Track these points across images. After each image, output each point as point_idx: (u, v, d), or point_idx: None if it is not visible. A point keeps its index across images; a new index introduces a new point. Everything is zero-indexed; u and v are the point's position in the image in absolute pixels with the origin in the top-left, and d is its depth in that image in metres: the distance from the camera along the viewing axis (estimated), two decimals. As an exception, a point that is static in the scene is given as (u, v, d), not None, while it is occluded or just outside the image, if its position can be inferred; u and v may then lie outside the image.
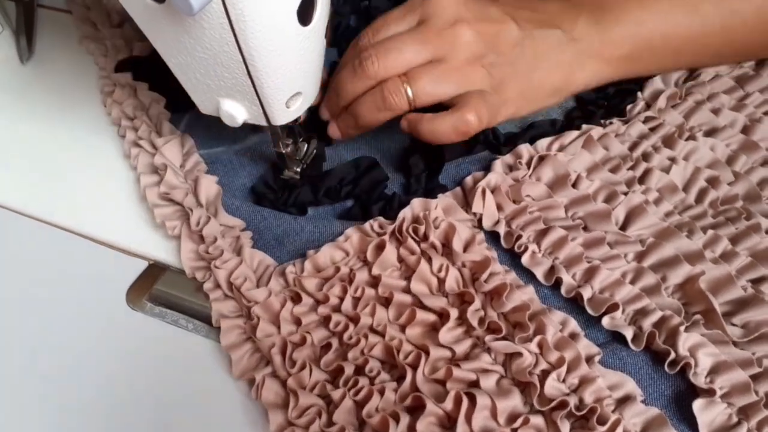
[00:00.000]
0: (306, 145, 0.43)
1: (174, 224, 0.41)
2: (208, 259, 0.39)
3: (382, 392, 0.33)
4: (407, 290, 0.37)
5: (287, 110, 0.37)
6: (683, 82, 0.49)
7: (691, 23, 0.43)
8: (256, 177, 0.45)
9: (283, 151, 0.41)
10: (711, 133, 0.44)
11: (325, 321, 0.37)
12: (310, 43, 0.35)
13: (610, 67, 0.44)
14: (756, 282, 0.37)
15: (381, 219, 0.40)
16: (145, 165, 0.46)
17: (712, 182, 0.41)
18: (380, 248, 0.38)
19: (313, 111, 0.44)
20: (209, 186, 0.43)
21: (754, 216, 0.39)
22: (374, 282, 0.38)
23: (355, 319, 0.36)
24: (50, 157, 0.50)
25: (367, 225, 0.40)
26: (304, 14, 0.33)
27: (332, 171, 0.43)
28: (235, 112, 0.37)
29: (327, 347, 0.36)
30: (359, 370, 0.35)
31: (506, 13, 0.42)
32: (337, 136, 0.44)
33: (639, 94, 0.47)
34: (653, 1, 0.43)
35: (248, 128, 0.46)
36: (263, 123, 0.38)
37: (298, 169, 0.43)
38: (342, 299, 0.37)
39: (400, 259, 0.39)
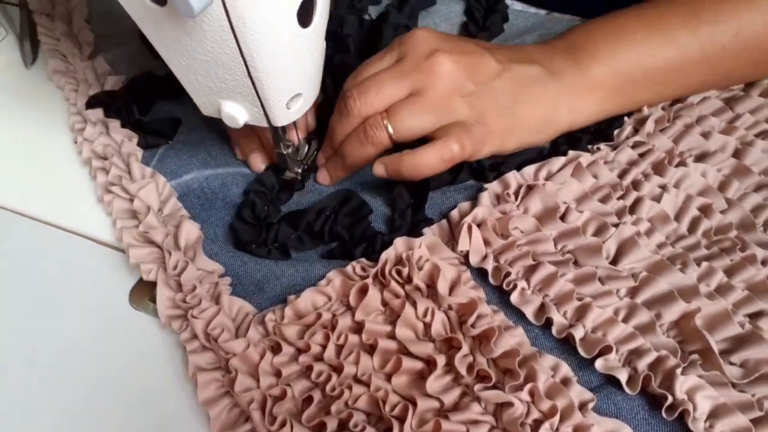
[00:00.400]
0: (307, 146, 0.44)
1: (149, 267, 0.39)
2: (186, 308, 0.37)
3: (367, 449, 0.31)
4: (392, 336, 0.36)
5: (288, 111, 0.37)
6: (670, 105, 0.47)
7: (670, 53, 0.43)
8: (231, 206, 0.44)
9: (284, 152, 0.42)
10: (701, 157, 0.43)
11: (307, 371, 0.35)
12: (310, 44, 0.35)
13: (597, 101, 0.43)
14: (753, 317, 0.36)
15: (363, 261, 0.39)
16: (121, 210, 0.44)
17: (705, 210, 0.40)
18: (363, 292, 0.37)
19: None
20: (191, 230, 0.41)
21: (749, 246, 0.38)
22: (358, 328, 0.36)
23: (338, 369, 0.35)
24: (54, 159, 0.50)
25: (349, 268, 0.38)
26: (304, 16, 0.34)
27: (311, 206, 0.41)
28: (236, 113, 0.37)
29: (309, 400, 0.34)
30: (343, 425, 0.33)
31: (484, 47, 0.42)
32: (326, 182, 0.45)
33: (626, 118, 0.46)
34: (626, 35, 0.43)
35: (218, 152, 0.46)
36: (264, 124, 0.38)
37: (299, 170, 0.44)
38: (324, 347, 0.35)
39: (384, 303, 0.37)
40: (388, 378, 0.34)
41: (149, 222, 0.41)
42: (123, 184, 0.44)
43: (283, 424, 0.33)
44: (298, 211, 0.42)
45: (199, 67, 0.35)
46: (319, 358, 0.35)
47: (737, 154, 0.43)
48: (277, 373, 0.35)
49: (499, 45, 0.44)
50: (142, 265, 0.39)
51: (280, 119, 0.38)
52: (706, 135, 0.44)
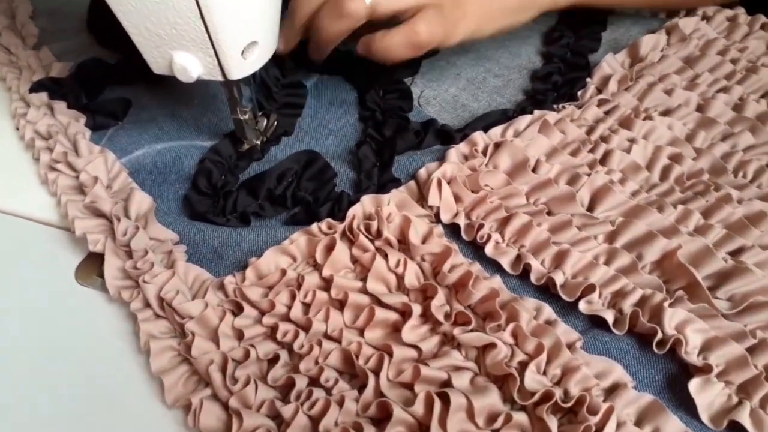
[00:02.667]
0: (265, 120, 0.42)
1: (96, 237, 0.36)
2: (137, 275, 0.34)
3: (341, 403, 0.28)
4: (363, 291, 0.33)
5: (243, 62, 0.35)
6: (630, 65, 0.47)
7: None
8: (185, 178, 0.41)
9: (242, 118, 0.40)
10: (666, 113, 0.43)
11: (272, 332, 0.32)
12: None
13: None
14: (734, 254, 0.34)
15: (329, 220, 0.36)
16: (66, 187, 0.41)
17: (675, 159, 0.39)
18: (330, 249, 0.34)
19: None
20: (142, 200, 0.38)
21: (723, 187, 0.37)
22: (326, 285, 0.34)
23: (305, 327, 0.32)
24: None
25: (314, 227, 0.36)
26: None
27: (270, 170, 0.39)
28: (189, 64, 0.35)
29: (274, 361, 0.31)
30: (313, 382, 0.30)
31: None
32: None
33: (588, 80, 0.46)
34: None
35: (170, 127, 0.44)
36: (218, 78, 0.36)
37: (258, 142, 0.42)
38: (290, 307, 0.33)
39: (354, 260, 0.35)
40: (361, 333, 0.32)
41: (96, 192, 0.38)
42: (69, 159, 0.41)
43: (246, 383, 0.29)
44: (257, 176, 0.40)
45: (149, 11, 0.33)
46: (285, 318, 0.33)
47: (700, 108, 0.43)
48: (239, 336, 0.32)
49: None
50: (89, 235, 0.36)
51: (236, 71, 0.36)
52: (669, 92, 0.44)
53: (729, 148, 0.40)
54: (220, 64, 0.35)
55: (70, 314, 0.36)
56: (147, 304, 0.34)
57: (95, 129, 0.45)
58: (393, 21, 0.40)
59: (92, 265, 0.38)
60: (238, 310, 0.33)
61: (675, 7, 0.49)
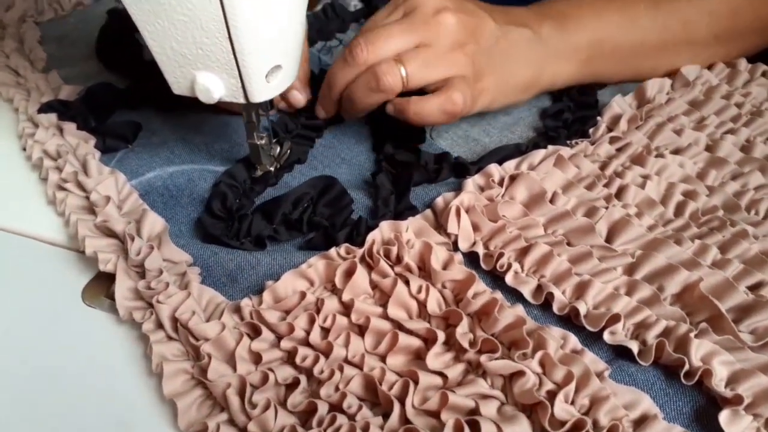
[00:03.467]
0: (279, 147, 0.43)
1: (107, 257, 0.35)
2: (150, 295, 0.33)
3: (366, 429, 0.27)
4: (384, 316, 0.32)
5: (267, 85, 0.36)
6: (637, 107, 0.48)
7: (634, 34, 0.48)
8: (198, 202, 0.40)
9: (258, 143, 0.40)
10: (676, 152, 0.44)
11: (290, 357, 0.31)
12: (294, 10, 0.35)
13: (572, 68, 0.48)
14: (753, 288, 0.34)
15: (348, 245, 0.36)
16: (75, 207, 0.40)
17: (689, 195, 0.40)
18: (350, 273, 0.34)
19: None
20: (155, 222, 0.37)
21: (739, 224, 0.38)
22: (346, 310, 0.33)
23: (326, 352, 0.31)
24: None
25: (332, 251, 0.36)
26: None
27: (286, 194, 0.39)
28: (212, 85, 0.35)
29: (293, 386, 0.30)
30: (335, 409, 0.29)
31: (483, 9, 0.44)
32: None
33: (599, 118, 0.47)
34: (603, 13, 0.48)
35: (182, 151, 0.44)
36: (240, 99, 0.36)
37: (272, 168, 0.42)
38: (309, 331, 0.32)
39: (373, 285, 0.34)
40: (383, 359, 0.31)
41: (108, 212, 0.37)
42: (79, 179, 0.40)
43: (266, 408, 0.28)
44: (272, 200, 0.39)
45: (176, 30, 0.33)
46: (303, 342, 0.32)
47: (709, 149, 0.44)
48: (257, 359, 0.31)
49: (495, 6, 0.46)
50: (100, 254, 0.35)
51: (258, 94, 0.36)
52: (678, 132, 0.45)
53: (740, 186, 0.41)
54: (243, 86, 0.35)
55: (77, 336, 0.34)
56: (159, 326, 0.33)
57: (105, 151, 0.45)
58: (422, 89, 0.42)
59: (100, 286, 0.36)
60: (254, 333, 0.32)
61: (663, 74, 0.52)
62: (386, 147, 0.44)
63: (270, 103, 0.39)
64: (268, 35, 0.34)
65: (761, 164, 0.42)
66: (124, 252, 0.36)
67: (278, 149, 0.43)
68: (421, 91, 0.42)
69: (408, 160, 0.43)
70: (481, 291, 0.33)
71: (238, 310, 0.33)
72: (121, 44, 0.55)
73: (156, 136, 0.46)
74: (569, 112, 0.48)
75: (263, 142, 0.40)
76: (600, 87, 0.51)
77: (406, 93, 0.41)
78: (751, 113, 0.47)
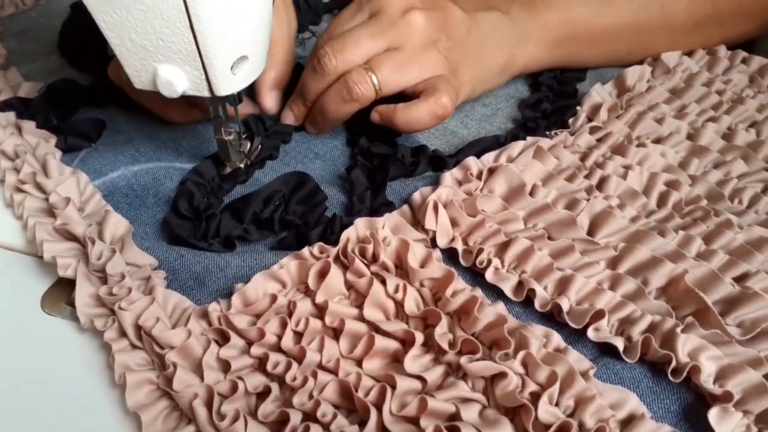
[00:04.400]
0: (249, 143, 0.41)
1: (67, 262, 0.33)
2: (112, 302, 0.32)
3: (341, 439, 0.26)
4: (360, 318, 0.31)
5: (232, 77, 0.34)
6: (617, 96, 0.47)
7: (608, 15, 0.47)
8: (164, 201, 0.38)
9: (226, 138, 0.38)
10: (658, 141, 0.43)
11: (261, 364, 0.30)
12: (260, 1, 0.33)
13: (544, 50, 0.47)
14: (739, 279, 0.33)
15: (321, 244, 0.34)
16: (34, 209, 0.38)
17: (672, 185, 0.39)
18: (323, 273, 0.32)
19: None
20: (118, 223, 0.35)
21: (722, 213, 0.37)
22: (319, 312, 0.31)
23: (298, 358, 0.29)
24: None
25: (305, 251, 0.34)
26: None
27: (256, 192, 0.37)
28: (175, 78, 0.33)
29: (264, 394, 0.28)
30: (308, 418, 0.28)
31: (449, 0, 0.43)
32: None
33: (579, 108, 0.45)
34: None
35: (148, 149, 0.42)
36: (205, 93, 0.34)
37: (241, 165, 0.40)
38: (281, 336, 0.30)
39: (348, 286, 0.33)
40: (359, 363, 0.29)
41: (68, 214, 0.35)
42: (37, 180, 0.38)
43: (235, 419, 0.27)
44: (242, 198, 0.38)
45: (135, 20, 0.31)
46: (275, 348, 0.30)
47: (691, 137, 0.43)
48: (225, 367, 0.29)
49: None
50: (59, 259, 0.33)
51: (223, 86, 0.34)
52: (659, 120, 0.44)
53: (723, 175, 0.40)
54: (207, 79, 0.33)
55: (36, 346, 0.32)
56: (122, 334, 0.31)
57: (66, 150, 0.42)
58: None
59: (60, 293, 0.35)
60: (223, 339, 0.31)
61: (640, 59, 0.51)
62: (361, 140, 0.43)
63: (238, 97, 0.37)
64: (232, 24, 0.32)
65: (743, 152, 0.41)
66: (85, 256, 0.34)
67: (248, 145, 0.41)
68: (401, 95, 0.41)
69: (384, 152, 0.41)
70: (460, 289, 0.32)
71: (205, 315, 0.31)
72: (85, 39, 0.53)
73: (121, 134, 0.44)
74: (548, 102, 0.46)
75: (232, 137, 0.39)
76: (579, 77, 0.49)
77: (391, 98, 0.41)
78: (732, 100, 0.46)
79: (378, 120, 0.41)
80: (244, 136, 0.41)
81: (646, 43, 0.49)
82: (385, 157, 0.41)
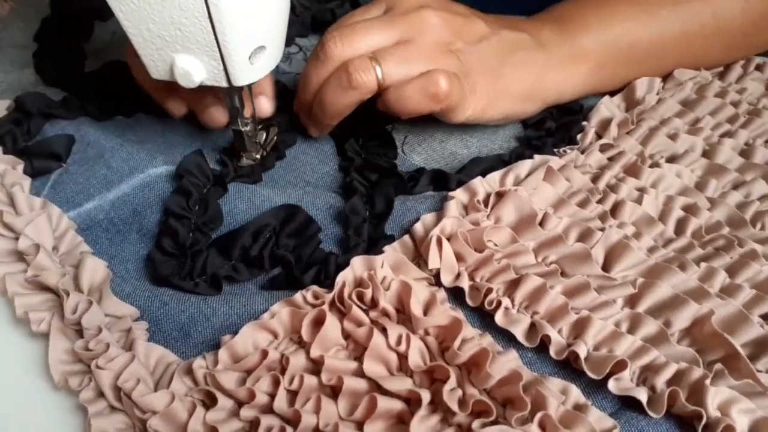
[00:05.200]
0: (265, 134, 0.40)
1: (40, 316, 0.31)
2: (88, 358, 0.29)
3: None
4: (360, 373, 0.28)
5: (250, 67, 0.34)
6: (626, 109, 0.45)
7: (653, 28, 0.43)
8: (149, 237, 0.36)
9: (243, 129, 0.38)
10: (672, 159, 0.40)
11: (252, 428, 0.27)
12: None
13: (583, 73, 0.42)
14: (767, 317, 0.31)
15: (315, 288, 0.32)
16: (4, 252, 0.35)
17: (689, 210, 0.36)
18: (318, 323, 0.30)
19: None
20: (95, 269, 0.32)
21: (746, 243, 0.34)
22: (315, 367, 0.29)
23: (293, 421, 0.27)
24: None
25: (297, 296, 0.31)
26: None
27: (245, 226, 0.34)
28: (192, 68, 0.33)
29: (258, 464, 0.26)
30: (306, 492, 0.25)
31: (473, 11, 0.40)
32: (315, 133, 0.42)
33: (585, 123, 0.43)
34: (611, 8, 0.43)
35: (119, 161, 0.39)
36: (223, 83, 0.34)
37: (258, 156, 0.40)
38: (273, 396, 0.28)
39: (346, 335, 0.30)
40: (360, 426, 0.27)
41: (40, 263, 0.32)
42: (5, 220, 0.35)
43: (225, 499, 0.24)
44: (230, 233, 0.35)
45: (152, 10, 0.31)
46: (267, 410, 0.27)
47: (706, 154, 0.40)
48: (213, 434, 0.27)
49: (487, 15, 0.41)
50: (32, 314, 0.31)
51: (241, 76, 0.34)
52: (672, 137, 0.41)
53: (743, 197, 0.38)
54: (225, 69, 0.33)
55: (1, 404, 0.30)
56: (100, 394, 0.28)
57: (35, 175, 0.39)
58: None
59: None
60: (210, 400, 0.28)
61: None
62: (356, 161, 0.40)
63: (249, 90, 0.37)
64: (250, 14, 0.31)
65: (764, 171, 0.39)
66: (61, 308, 0.31)
67: (264, 136, 0.40)
68: None
69: (383, 164, 0.39)
70: (468, 337, 0.29)
71: (190, 372, 0.29)
72: (62, 53, 0.49)
73: (91, 147, 0.40)
74: (552, 120, 0.44)
75: (249, 128, 0.38)
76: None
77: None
78: (749, 113, 0.43)
79: (380, 106, 0.38)
80: (259, 126, 0.40)
81: (698, 53, 0.45)
82: (385, 172, 0.38)
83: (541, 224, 0.35)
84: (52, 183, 0.38)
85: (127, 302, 0.32)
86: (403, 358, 0.29)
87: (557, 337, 0.30)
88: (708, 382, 0.27)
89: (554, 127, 0.43)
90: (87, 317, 0.30)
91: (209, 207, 0.35)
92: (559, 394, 0.27)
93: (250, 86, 0.36)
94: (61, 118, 0.42)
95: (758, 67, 0.48)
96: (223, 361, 0.29)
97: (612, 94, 0.45)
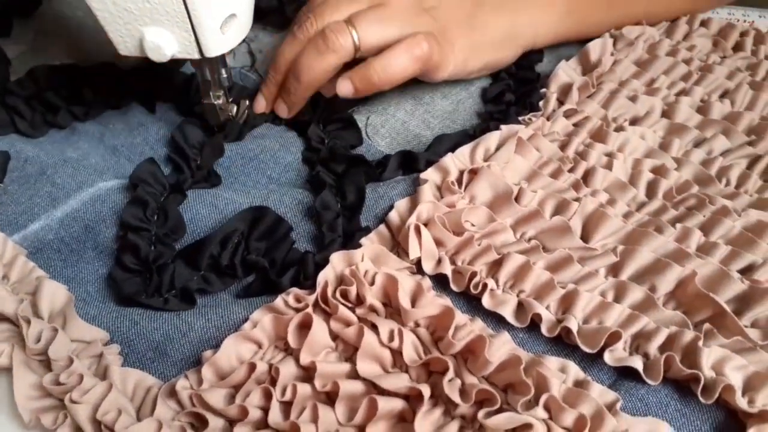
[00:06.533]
0: (236, 107, 0.40)
1: (0, 348, 0.28)
2: (60, 392, 0.27)
3: None
4: (354, 375, 0.27)
5: (221, 37, 0.33)
6: (582, 72, 0.45)
7: None
8: (106, 254, 0.33)
9: (215, 102, 0.37)
10: (634, 122, 0.40)
11: (249, 446, 0.26)
12: None
13: (556, 16, 0.43)
14: (744, 272, 0.32)
15: (296, 291, 0.30)
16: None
17: (658, 172, 0.37)
18: (304, 327, 0.28)
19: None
20: (55, 292, 0.30)
21: (716, 200, 0.35)
22: (306, 374, 0.28)
23: (292, 433, 0.26)
24: None
25: (278, 301, 0.30)
26: None
27: (211, 234, 0.32)
28: (163, 41, 0.32)
29: (260, 484, 0.25)
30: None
31: None
32: (285, 114, 0.41)
33: (544, 90, 0.42)
34: None
35: (63, 177, 0.36)
36: (195, 55, 0.33)
37: (229, 112, 0.39)
38: (266, 409, 0.26)
39: (334, 336, 0.29)
40: (361, 430, 0.26)
41: (-9, 291, 0.30)
42: (-57, 250, 0.32)
43: None
44: (195, 243, 0.33)
45: None
46: (262, 425, 0.26)
47: (665, 114, 0.41)
48: (208, 458, 0.25)
49: None
50: (-12, 348, 0.28)
51: (214, 47, 0.33)
52: (632, 99, 0.41)
53: (706, 154, 0.38)
54: (197, 40, 0.32)
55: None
56: (78, 430, 0.26)
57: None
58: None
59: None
60: (200, 422, 0.26)
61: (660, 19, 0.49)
62: (322, 151, 0.38)
63: (223, 61, 0.36)
64: None
65: (723, 126, 0.39)
66: (21, 339, 0.29)
67: (235, 108, 0.40)
68: None
69: (349, 154, 0.37)
70: (461, 324, 0.29)
71: (173, 394, 0.27)
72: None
73: (30, 164, 0.37)
74: (510, 92, 0.43)
75: (221, 101, 0.37)
76: (538, 58, 0.46)
77: None
78: (701, 69, 0.44)
79: (349, 88, 0.37)
80: (230, 99, 0.39)
81: (664, 2, 0.46)
82: (351, 160, 0.37)
83: (516, 199, 0.34)
84: (-9, 203, 0.35)
85: (93, 325, 0.30)
86: (396, 353, 0.28)
87: (547, 314, 0.30)
88: (701, 343, 0.27)
89: (513, 100, 0.43)
90: (54, 347, 0.27)
91: (169, 216, 0.33)
92: (560, 373, 0.27)
93: (222, 57, 0.35)
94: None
95: (703, 23, 0.48)
96: (207, 378, 0.27)
97: (583, 42, 0.45)
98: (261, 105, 0.41)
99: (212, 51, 0.33)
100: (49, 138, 0.40)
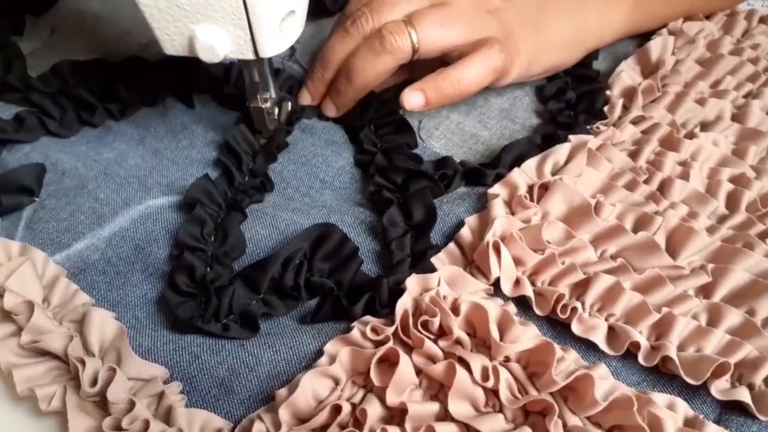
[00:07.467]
0: (277, 109, 0.37)
1: (50, 391, 0.25)
2: (122, 442, 0.24)
3: None
4: (443, 416, 0.25)
5: (279, 35, 0.31)
6: (642, 73, 0.42)
7: None
8: (156, 276, 0.30)
9: (263, 106, 0.35)
10: (704, 127, 0.38)
11: (339, 498, 0.24)
12: None
13: (623, 13, 0.40)
14: None
15: (372, 320, 0.28)
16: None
17: (738, 182, 0.34)
18: (384, 361, 0.26)
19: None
20: (105, 322, 0.27)
21: (807, 211, 0.32)
22: (390, 414, 0.25)
23: (386, 484, 0.23)
24: None
25: (355, 333, 0.27)
26: None
27: (273, 254, 0.30)
28: (216, 41, 0.30)
29: None
30: None
31: None
32: (332, 112, 0.38)
33: (608, 92, 0.40)
34: None
35: (107, 192, 0.34)
36: (249, 56, 0.31)
37: (272, 128, 0.37)
38: (354, 456, 0.24)
39: (417, 371, 0.26)
40: (460, 478, 0.24)
41: (36, 324, 0.27)
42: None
43: None
44: (255, 264, 0.30)
45: None
46: (350, 473, 0.24)
47: (736, 118, 0.39)
48: None
49: None
50: (38, 390, 0.25)
51: (270, 46, 0.31)
52: (700, 102, 0.39)
53: (785, 161, 0.36)
54: (253, 39, 0.30)
55: None
56: (145, 482, 0.24)
57: (3, 214, 0.33)
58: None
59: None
60: (281, 471, 0.24)
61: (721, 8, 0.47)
62: (377, 158, 0.36)
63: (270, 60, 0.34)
64: None
65: (799, 131, 0.37)
66: (71, 377, 0.26)
67: (277, 110, 0.37)
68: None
69: (408, 167, 0.35)
70: (558, 357, 0.26)
71: (249, 438, 0.25)
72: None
73: (68, 177, 0.35)
74: (571, 90, 0.40)
75: (269, 105, 0.35)
76: (594, 54, 0.43)
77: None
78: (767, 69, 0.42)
79: (419, 100, 0.34)
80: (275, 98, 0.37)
81: None
82: (411, 174, 0.34)
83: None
84: (27, 222, 0.32)
85: (148, 359, 0.27)
86: (491, 393, 0.26)
87: (644, 341, 0.28)
88: (815, 375, 0.25)
89: (574, 98, 0.40)
90: (112, 389, 0.25)
91: (229, 234, 0.30)
92: (671, 412, 0.25)
93: (270, 59, 0.33)
94: (19, 141, 0.35)
95: (762, 20, 0.46)
96: (285, 421, 0.25)
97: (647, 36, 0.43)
98: (306, 101, 0.38)
99: (268, 51, 0.31)
100: (82, 137, 0.37)
